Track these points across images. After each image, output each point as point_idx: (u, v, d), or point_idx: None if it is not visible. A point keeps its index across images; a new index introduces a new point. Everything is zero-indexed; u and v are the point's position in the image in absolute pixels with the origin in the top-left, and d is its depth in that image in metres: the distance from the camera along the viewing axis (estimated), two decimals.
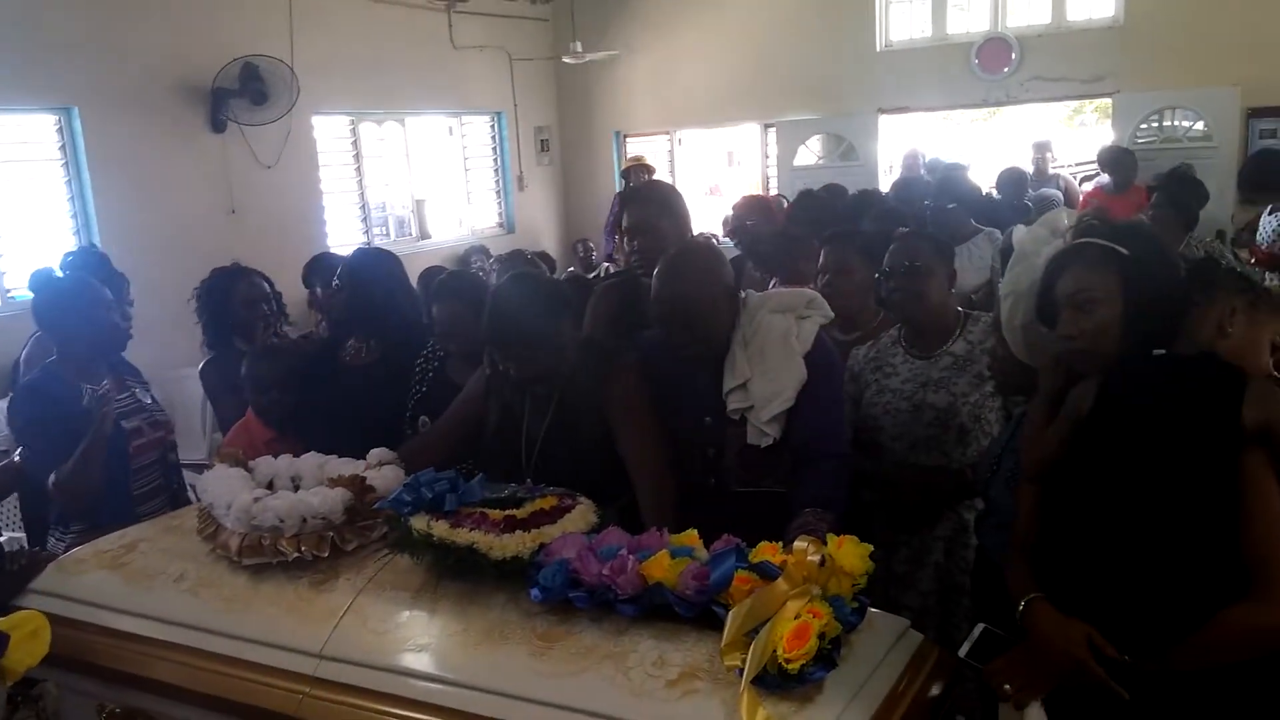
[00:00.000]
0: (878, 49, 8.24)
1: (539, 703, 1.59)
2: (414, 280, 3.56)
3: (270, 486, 2.20)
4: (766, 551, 1.68)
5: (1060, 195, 6.70)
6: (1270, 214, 5.14)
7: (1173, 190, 4.97)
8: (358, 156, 7.75)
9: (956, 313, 2.68)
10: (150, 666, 1.94)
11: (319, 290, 4.48)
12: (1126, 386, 1.65)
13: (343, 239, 7.35)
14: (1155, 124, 7.35)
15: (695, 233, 3.20)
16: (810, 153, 8.61)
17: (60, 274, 3.36)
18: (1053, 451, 1.74)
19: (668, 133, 9.51)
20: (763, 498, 2.30)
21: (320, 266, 4.53)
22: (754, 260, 3.90)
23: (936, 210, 4.52)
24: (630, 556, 1.70)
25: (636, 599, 1.66)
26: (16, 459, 2.90)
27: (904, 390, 2.62)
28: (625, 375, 2.36)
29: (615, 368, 2.37)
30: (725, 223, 6.88)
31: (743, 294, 2.41)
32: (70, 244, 5.47)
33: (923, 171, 7.08)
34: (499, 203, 9.26)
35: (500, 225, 9.23)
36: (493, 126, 9.12)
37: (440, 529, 1.85)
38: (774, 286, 3.52)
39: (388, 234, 8.10)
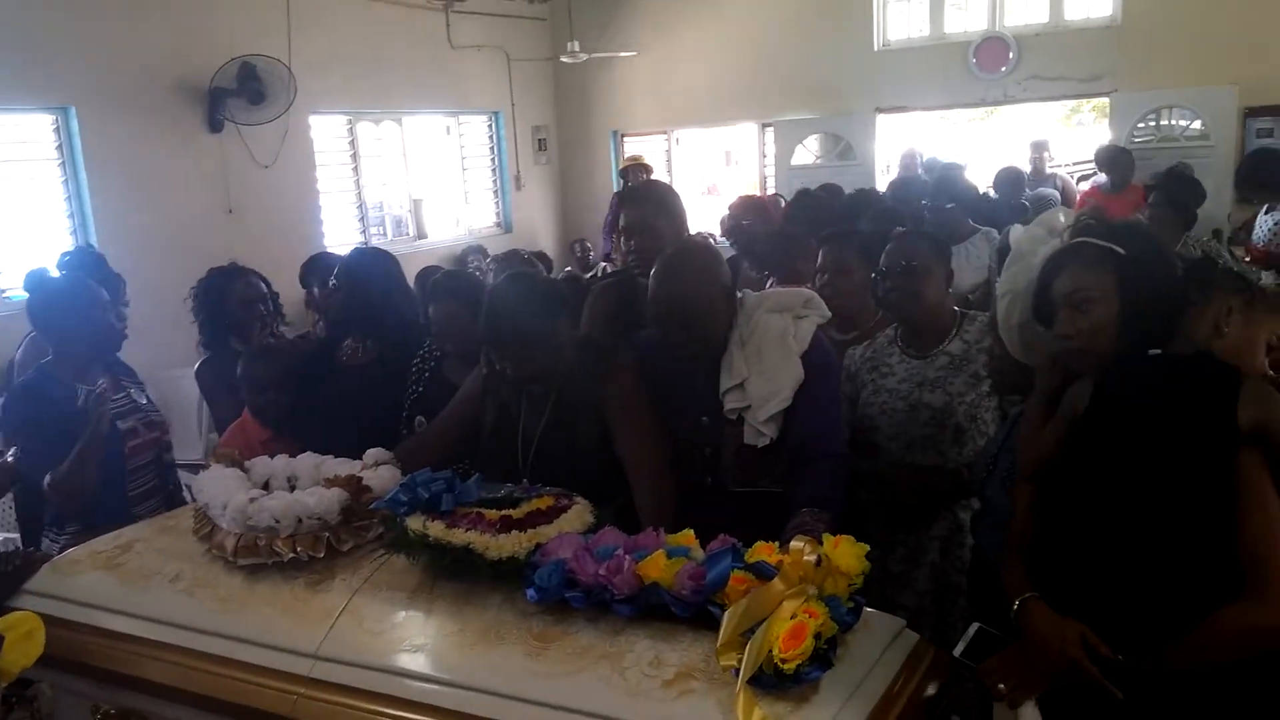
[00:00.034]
0: (875, 48, 8.24)
1: (535, 703, 1.58)
2: (411, 280, 3.56)
3: (266, 487, 2.19)
4: (763, 551, 1.68)
5: (1058, 195, 6.72)
6: (1267, 213, 5.16)
7: (1170, 189, 4.98)
8: (355, 156, 7.74)
9: (953, 312, 2.68)
10: (145, 667, 1.93)
11: (316, 290, 4.47)
12: (1123, 386, 1.65)
13: (340, 239, 7.34)
14: (1153, 123, 7.37)
15: (692, 232, 3.20)
16: (808, 152, 8.61)
17: (55, 274, 3.34)
18: (1049, 451, 1.75)
19: (665, 132, 9.51)
20: (760, 497, 2.30)
21: (317, 266, 4.53)
22: (750, 260, 3.90)
23: (934, 210, 4.52)
24: (626, 556, 1.70)
25: (633, 599, 1.66)
26: (11, 459, 2.89)
27: (900, 390, 2.62)
28: (622, 375, 2.35)
29: (612, 367, 2.36)
30: (722, 222, 6.88)
31: (740, 294, 2.41)
32: (67, 244, 5.46)
33: (920, 171, 7.08)
34: (496, 202, 9.25)
35: (498, 225, 9.22)
36: (490, 126, 9.12)
37: (436, 529, 1.85)
38: (771, 286, 3.52)
39: (385, 234, 8.09)
